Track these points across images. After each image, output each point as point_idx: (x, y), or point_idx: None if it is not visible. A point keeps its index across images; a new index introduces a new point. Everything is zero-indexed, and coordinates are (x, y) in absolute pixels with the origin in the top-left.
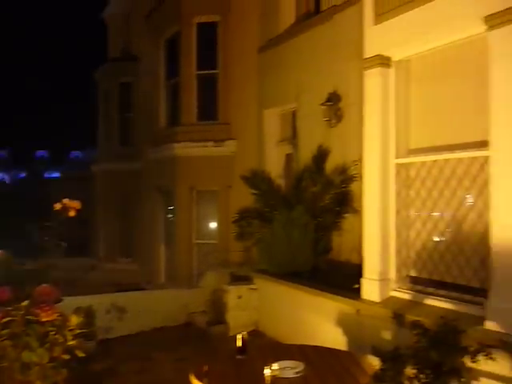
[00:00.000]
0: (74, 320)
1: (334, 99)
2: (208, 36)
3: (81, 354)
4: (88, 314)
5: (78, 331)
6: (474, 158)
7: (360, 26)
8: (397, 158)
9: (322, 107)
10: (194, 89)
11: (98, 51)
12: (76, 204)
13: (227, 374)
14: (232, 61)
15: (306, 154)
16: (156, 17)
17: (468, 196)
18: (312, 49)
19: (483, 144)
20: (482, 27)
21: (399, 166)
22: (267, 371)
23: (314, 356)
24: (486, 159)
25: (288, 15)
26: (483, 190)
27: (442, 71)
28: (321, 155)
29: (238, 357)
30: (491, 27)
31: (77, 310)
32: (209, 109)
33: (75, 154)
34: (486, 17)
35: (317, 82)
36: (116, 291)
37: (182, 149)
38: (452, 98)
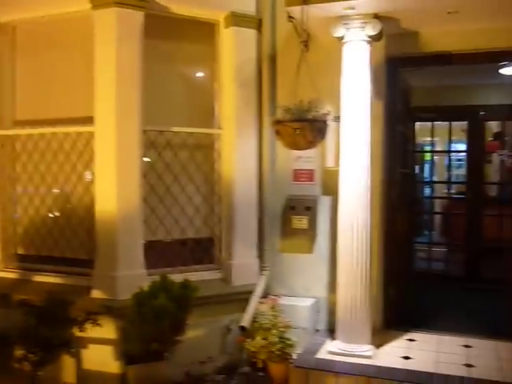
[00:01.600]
0: None
1: None
2: None
3: None
4: None
5: None
6: (81, 133)
7: None
8: (0, 129)
9: None
10: None
11: None
12: None
13: None
14: None
15: None
16: None
17: (75, 170)
18: None
19: (90, 120)
20: (88, 5)
21: (4, 138)
22: None
23: None
24: (92, 134)
25: None
26: (89, 165)
27: (51, 43)
28: None
29: None
30: (94, 7)
31: None
32: None
33: None
34: None
35: None
36: None
37: None
38: (63, 72)
